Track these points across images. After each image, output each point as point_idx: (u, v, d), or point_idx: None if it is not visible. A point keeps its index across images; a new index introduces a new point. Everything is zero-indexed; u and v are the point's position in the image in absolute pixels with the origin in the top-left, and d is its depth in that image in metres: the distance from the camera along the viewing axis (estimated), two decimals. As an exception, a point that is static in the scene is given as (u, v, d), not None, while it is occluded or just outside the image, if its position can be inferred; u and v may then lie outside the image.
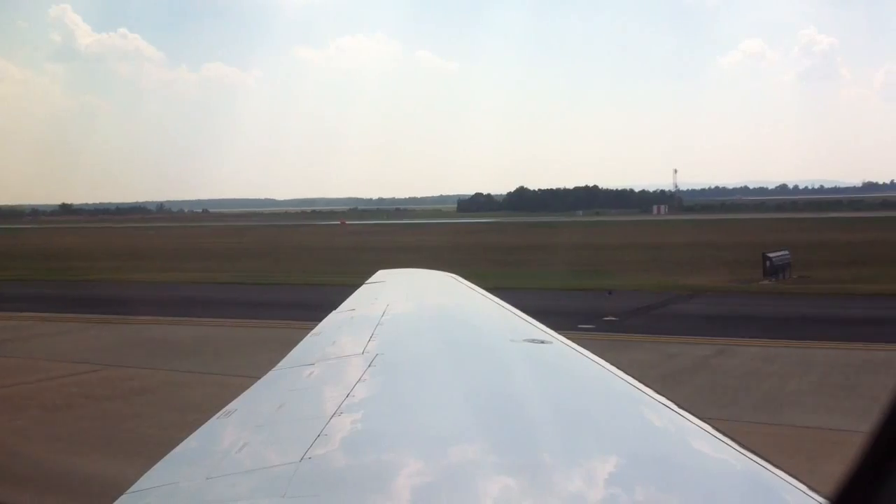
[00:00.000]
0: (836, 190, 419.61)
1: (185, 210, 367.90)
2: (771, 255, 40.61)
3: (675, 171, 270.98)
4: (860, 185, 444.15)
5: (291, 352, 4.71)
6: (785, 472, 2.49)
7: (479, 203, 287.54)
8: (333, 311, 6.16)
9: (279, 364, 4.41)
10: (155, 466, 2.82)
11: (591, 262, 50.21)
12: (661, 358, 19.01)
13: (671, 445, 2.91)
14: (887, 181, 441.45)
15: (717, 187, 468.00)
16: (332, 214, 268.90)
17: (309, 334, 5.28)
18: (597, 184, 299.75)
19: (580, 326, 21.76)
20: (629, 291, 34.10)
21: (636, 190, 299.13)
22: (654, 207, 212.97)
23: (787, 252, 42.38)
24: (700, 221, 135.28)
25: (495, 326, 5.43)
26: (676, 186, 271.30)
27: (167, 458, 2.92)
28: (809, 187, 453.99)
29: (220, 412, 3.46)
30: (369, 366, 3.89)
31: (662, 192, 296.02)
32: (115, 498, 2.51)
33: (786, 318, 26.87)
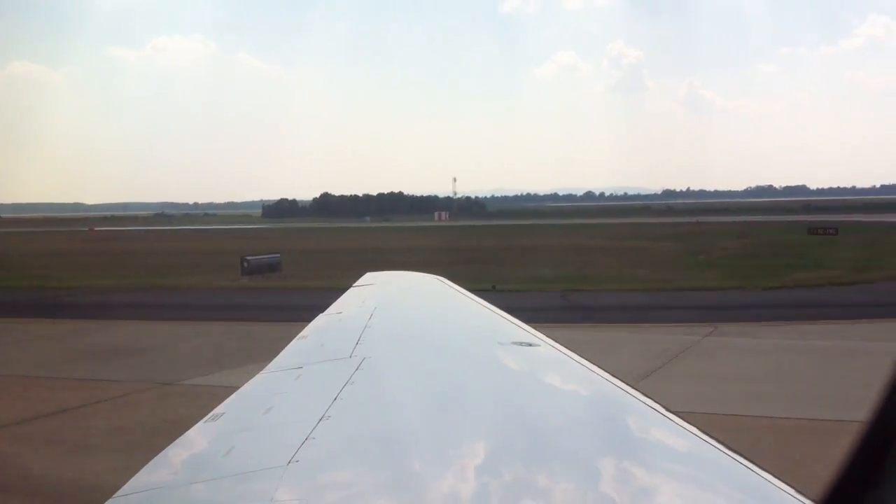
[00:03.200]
0: (637, 196, 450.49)
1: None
2: (250, 257, 46.09)
3: (455, 180, 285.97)
4: (660, 192, 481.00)
5: (279, 355, 4.68)
6: (773, 475, 2.50)
7: (283, 208, 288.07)
8: (321, 315, 6.12)
9: (267, 367, 4.39)
10: (141, 470, 2.81)
11: (159, 266, 54.57)
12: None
13: (658, 448, 2.90)
14: (684, 188, 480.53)
15: (528, 194, 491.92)
16: (134, 220, 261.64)
17: (296, 338, 5.23)
18: (402, 190, 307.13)
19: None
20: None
21: (440, 196, 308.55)
22: (436, 214, 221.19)
23: (276, 255, 48.30)
24: (447, 228, 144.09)
25: (483, 329, 5.41)
26: (455, 194, 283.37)
27: (153, 461, 2.91)
28: (615, 194, 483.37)
29: (208, 416, 3.42)
30: (357, 369, 3.89)
31: (468, 198, 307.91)
32: (101, 503, 2.53)
33: (192, 305, 33.38)
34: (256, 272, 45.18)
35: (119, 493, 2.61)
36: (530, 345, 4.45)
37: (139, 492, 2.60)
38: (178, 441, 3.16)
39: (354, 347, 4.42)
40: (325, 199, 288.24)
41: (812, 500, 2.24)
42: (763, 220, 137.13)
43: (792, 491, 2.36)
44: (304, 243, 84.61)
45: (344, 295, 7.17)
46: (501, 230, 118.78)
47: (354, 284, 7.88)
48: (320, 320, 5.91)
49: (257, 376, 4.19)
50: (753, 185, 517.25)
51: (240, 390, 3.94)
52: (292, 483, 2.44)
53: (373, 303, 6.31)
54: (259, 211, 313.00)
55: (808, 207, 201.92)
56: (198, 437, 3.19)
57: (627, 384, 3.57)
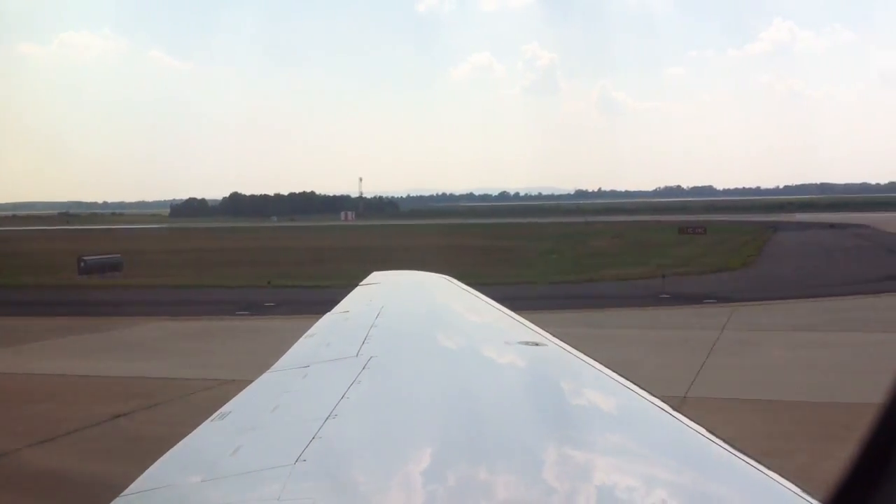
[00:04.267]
0: (550, 197, 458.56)
1: None
2: (87, 257, 47.04)
3: (361, 180, 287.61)
4: (573, 192, 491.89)
5: (286, 354, 4.69)
6: (780, 475, 2.51)
7: (192, 208, 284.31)
8: (328, 314, 6.11)
9: (273, 366, 4.38)
10: (150, 468, 2.83)
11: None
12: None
13: (664, 447, 2.91)
14: (596, 189, 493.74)
15: (444, 194, 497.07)
16: (35, 219, 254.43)
17: (303, 336, 5.23)
18: (314, 190, 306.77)
19: None
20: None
21: (352, 196, 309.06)
22: (343, 214, 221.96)
23: (117, 255, 49.53)
24: (335, 228, 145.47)
25: (489, 329, 5.42)
26: (361, 194, 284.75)
27: (162, 460, 2.92)
28: (529, 194, 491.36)
29: (215, 414, 3.45)
30: (363, 368, 3.88)
31: (379, 198, 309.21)
32: (111, 500, 2.54)
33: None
34: (94, 272, 46.02)
35: (126, 491, 2.64)
36: (537, 344, 4.47)
37: (146, 490, 2.64)
38: (185, 440, 3.15)
39: (361, 346, 4.42)
40: (235, 198, 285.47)
41: (819, 501, 2.27)
42: (650, 219, 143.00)
43: (798, 490, 2.39)
44: (175, 243, 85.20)
45: (351, 294, 7.15)
46: (385, 230, 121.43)
47: (361, 283, 7.77)
48: (327, 319, 5.92)
49: (264, 375, 4.20)
50: (662, 185, 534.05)
51: (247, 389, 3.93)
52: (299, 482, 2.45)
53: (379, 302, 6.32)
54: (164, 210, 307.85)
55: (710, 208, 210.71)
56: (205, 436, 3.20)
57: (634, 384, 3.58)
